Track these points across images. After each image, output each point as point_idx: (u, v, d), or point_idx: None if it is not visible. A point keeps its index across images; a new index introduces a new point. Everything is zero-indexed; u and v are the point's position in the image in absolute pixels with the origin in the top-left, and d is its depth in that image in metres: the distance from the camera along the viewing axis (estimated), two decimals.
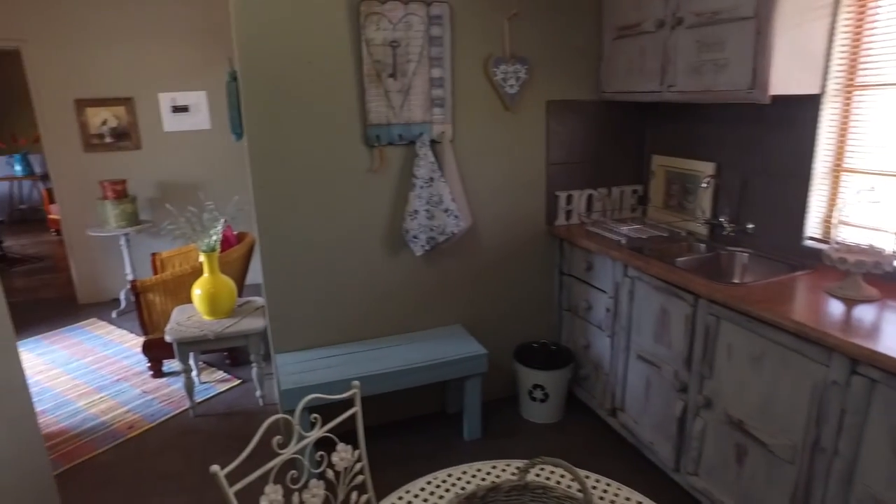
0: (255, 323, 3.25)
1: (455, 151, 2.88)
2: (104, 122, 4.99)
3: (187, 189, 5.31)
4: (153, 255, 4.23)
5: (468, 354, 2.82)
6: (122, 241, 4.94)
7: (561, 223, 3.22)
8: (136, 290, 3.58)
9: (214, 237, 3.25)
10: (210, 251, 3.23)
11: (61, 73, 4.86)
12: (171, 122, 5.13)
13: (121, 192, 4.78)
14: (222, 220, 3.40)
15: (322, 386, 2.55)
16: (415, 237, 2.84)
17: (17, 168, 9.29)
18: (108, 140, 5.04)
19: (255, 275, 4.90)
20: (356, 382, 1.53)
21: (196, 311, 3.37)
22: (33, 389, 3.75)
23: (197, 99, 5.12)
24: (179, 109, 5.11)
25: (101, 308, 5.22)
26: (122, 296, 5.07)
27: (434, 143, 2.83)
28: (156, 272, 4.21)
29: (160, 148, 5.18)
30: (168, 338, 3.13)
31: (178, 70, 5.07)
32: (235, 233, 4.10)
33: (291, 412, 1.39)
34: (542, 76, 2.98)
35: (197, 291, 3.25)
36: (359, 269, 2.89)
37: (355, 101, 2.68)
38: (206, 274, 3.26)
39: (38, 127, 4.94)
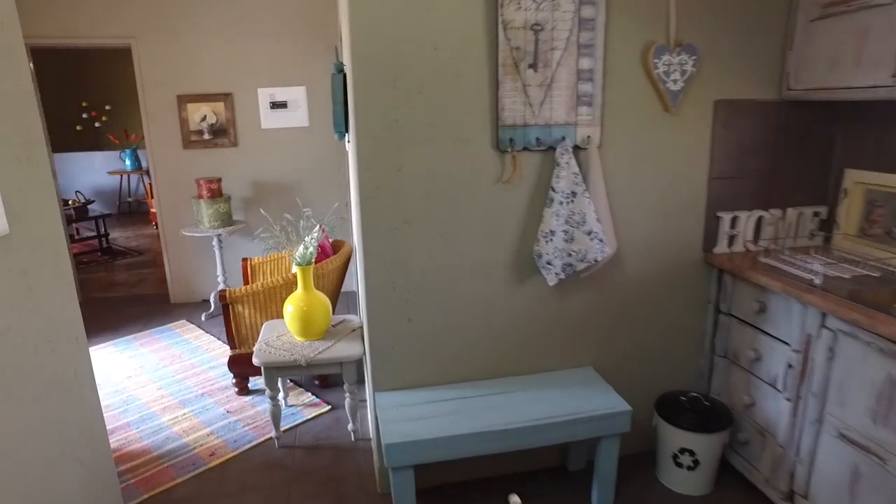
0: (350, 349, 2.86)
1: (602, 161, 2.34)
2: (203, 119, 4.82)
3: (282, 190, 5.06)
4: (244, 260, 3.96)
5: (608, 411, 2.28)
6: (215, 242, 4.74)
7: (721, 251, 2.61)
8: (225, 302, 3.29)
9: (311, 249, 2.88)
10: (305, 265, 2.87)
11: (165, 68, 4.72)
12: (268, 119, 4.89)
13: (215, 192, 4.57)
14: (319, 229, 3.04)
15: (432, 442, 2.10)
16: (548, 263, 2.33)
17: (127, 162, 9.57)
18: (206, 137, 4.86)
19: (347, 281, 4.56)
20: (516, 500, 1.04)
21: (286, 330, 3.03)
22: (122, 397, 3.55)
23: (296, 94, 4.85)
24: (278, 105, 4.86)
25: (192, 309, 5.06)
26: (212, 298, 4.88)
27: (577, 150, 2.31)
28: (246, 279, 3.93)
29: (257, 146, 4.95)
30: (256, 360, 2.79)
31: (277, 64, 4.82)
32: (331, 240, 3.75)
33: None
34: (711, 70, 2.39)
35: (289, 308, 2.89)
36: (477, 298, 2.42)
37: (487, 96, 2.21)
38: (299, 290, 2.90)
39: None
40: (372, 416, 2.65)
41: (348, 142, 3.24)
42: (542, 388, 2.46)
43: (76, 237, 7.93)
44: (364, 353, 2.82)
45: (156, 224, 7.84)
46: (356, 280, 4.04)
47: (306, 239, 2.91)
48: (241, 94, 4.84)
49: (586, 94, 2.27)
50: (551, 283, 2.36)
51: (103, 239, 7.29)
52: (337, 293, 3.56)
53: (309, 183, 5.07)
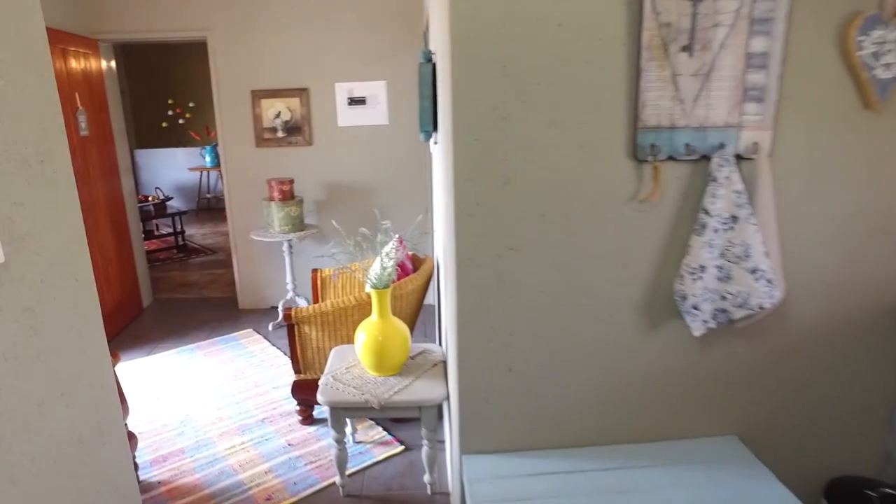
0: (431, 390, 2.40)
1: (773, 175, 1.77)
2: (277, 115, 4.51)
3: (357, 193, 4.69)
4: (314, 272, 3.59)
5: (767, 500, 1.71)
6: (285, 248, 4.42)
7: None
8: (290, 321, 2.92)
9: (389, 270, 2.45)
10: (382, 288, 2.43)
11: (240, 62, 4.45)
12: (345, 116, 4.52)
13: (287, 194, 4.25)
14: (397, 244, 2.61)
15: None
16: (695, 308, 1.78)
17: (207, 159, 9.59)
18: (279, 134, 4.56)
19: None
20: None
21: (357, 360, 2.61)
22: (180, 416, 3.26)
23: (375, 90, 4.46)
24: (356, 102, 4.49)
25: (259, 317, 4.78)
26: (280, 307, 4.57)
27: (741, 161, 1.75)
28: (315, 293, 3.56)
29: (332, 145, 4.60)
30: (321, 399, 2.38)
31: (356, 58, 4.44)
32: (409, 253, 3.32)
33: None
34: None
35: (361, 337, 2.47)
36: (596, 346, 1.90)
37: (624, 89, 1.69)
38: (374, 316, 2.47)
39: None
40: (456, 479, 2.18)
41: (435, 143, 2.79)
42: (674, 463, 1.91)
43: (155, 233, 7.94)
44: (447, 396, 2.36)
45: None
46: (435, 294, 3.60)
47: (384, 257, 2.48)
48: (318, 90, 4.50)
49: (756, 86, 1.70)
50: (697, 333, 1.81)
51: (179, 236, 7.22)
52: (415, 316, 3.12)
53: (387, 187, 4.67)
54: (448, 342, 2.32)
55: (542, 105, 1.68)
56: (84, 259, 1.51)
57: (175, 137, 10.14)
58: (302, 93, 4.48)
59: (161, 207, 7.22)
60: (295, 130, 4.55)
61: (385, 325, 2.46)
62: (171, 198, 7.57)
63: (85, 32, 4.34)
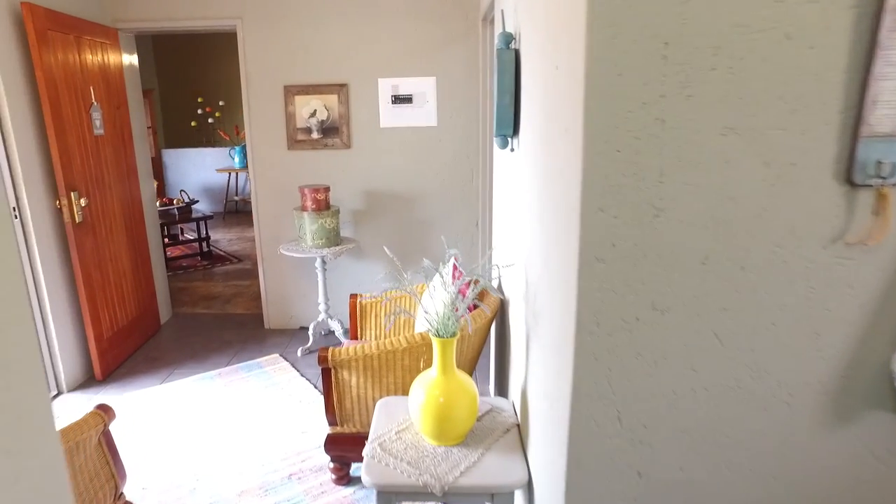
0: (507, 471, 1.86)
1: None
2: (313, 114, 4.02)
3: (400, 203, 4.17)
4: (353, 297, 3.08)
5: None
6: (318, 264, 3.93)
7: None
8: (326, 365, 2.40)
9: (461, 311, 1.92)
10: (449, 337, 1.90)
11: (272, 54, 3.97)
12: (389, 116, 4.02)
13: (322, 203, 3.75)
14: (473, 285, 2.08)
15: None
16: None
17: (236, 160, 9.22)
18: (314, 135, 4.07)
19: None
20: None
21: (410, 420, 2.08)
22: (193, 469, 2.76)
23: (423, 87, 3.94)
24: (401, 100, 3.97)
25: (288, 339, 4.30)
26: (311, 329, 4.08)
27: None
28: (354, 322, 3.05)
29: (373, 148, 4.10)
30: (366, 479, 1.85)
31: (402, 50, 3.93)
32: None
33: None
34: None
35: (418, 395, 1.94)
36: (763, 445, 1.34)
37: (841, 75, 1.12)
38: (435, 372, 1.94)
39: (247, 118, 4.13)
40: None
41: (511, 150, 2.25)
42: None
43: (180, 238, 7.55)
44: (529, 479, 1.82)
45: None
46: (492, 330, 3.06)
47: (453, 294, 1.95)
48: (358, 86, 4.00)
49: None
50: None
51: (204, 242, 6.80)
52: (476, 361, 2.58)
53: (434, 197, 4.15)
54: (535, 413, 1.78)
55: (717, 102, 1.12)
56: (18, 295, 0.99)
57: (204, 137, 9.79)
58: (340, 89, 3.98)
59: (186, 211, 6.82)
60: (332, 131, 4.05)
61: (449, 384, 1.93)
62: (197, 201, 7.17)
63: (104, 20, 3.90)
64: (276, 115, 4.07)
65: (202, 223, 6.78)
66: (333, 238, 3.80)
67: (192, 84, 9.64)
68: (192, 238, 7.02)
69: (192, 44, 9.44)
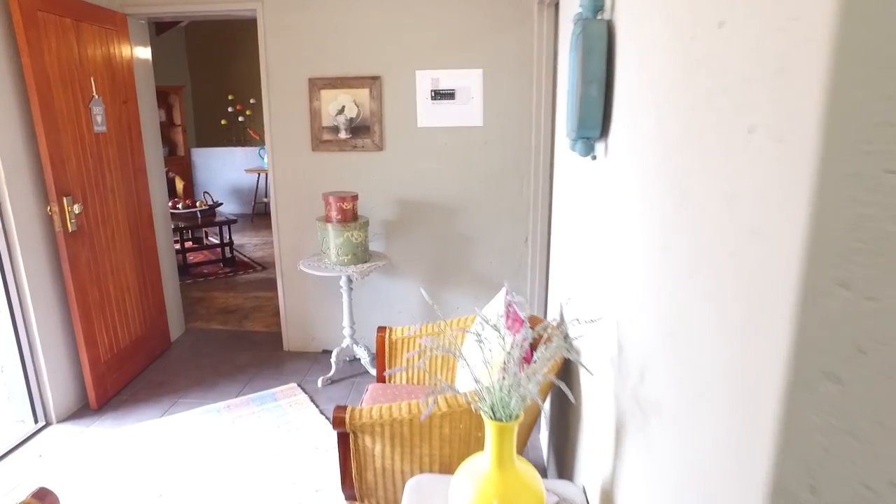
0: None
1: None
2: (341, 110, 3.52)
3: (438, 214, 3.64)
4: (380, 332, 2.55)
5: None
6: (343, 283, 3.42)
7: None
8: (343, 429, 1.87)
9: (531, 388, 1.36)
10: (509, 421, 1.35)
11: (296, 43, 3.49)
12: (427, 114, 3.48)
13: (348, 214, 3.24)
14: (533, 345, 1.53)
15: None
16: None
17: (265, 160, 8.84)
18: (342, 135, 3.56)
19: None
20: None
21: None
22: None
23: (468, 81, 3.40)
24: (442, 95, 3.44)
25: (308, 365, 3.80)
26: (334, 356, 3.57)
27: None
28: (381, 359, 2.52)
29: (409, 151, 3.57)
30: None
31: (444, 38, 3.39)
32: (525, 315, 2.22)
33: None
34: None
35: (465, 493, 1.40)
36: None
37: None
38: (488, 463, 1.39)
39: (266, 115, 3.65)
40: None
41: (593, 157, 1.68)
42: None
43: (204, 241, 7.18)
44: None
45: None
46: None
47: (515, 359, 1.40)
48: (393, 79, 3.48)
49: None
50: None
51: (227, 248, 6.39)
52: (530, 432, 2.02)
53: (476, 208, 3.60)
54: None
55: None
56: None
57: (234, 136, 9.45)
58: (373, 82, 3.47)
59: (209, 214, 6.42)
60: (362, 131, 3.54)
61: (507, 481, 1.38)
62: (221, 203, 6.76)
63: (111, 4, 3.47)
64: (299, 112, 3.58)
65: (226, 228, 6.36)
66: (361, 254, 3.29)
67: (224, 81, 9.31)
68: (214, 243, 6.62)
69: (225, 39, 9.10)
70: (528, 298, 3.67)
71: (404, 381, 2.58)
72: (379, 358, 2.54)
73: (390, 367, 2.54)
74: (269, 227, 8.29)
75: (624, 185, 1.37)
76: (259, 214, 9.36)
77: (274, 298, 5.04)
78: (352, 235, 3.21)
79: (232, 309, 4.91)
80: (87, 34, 3.18)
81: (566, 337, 1.86)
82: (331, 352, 3.79)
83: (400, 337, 2.53)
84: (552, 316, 2.67)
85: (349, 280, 3.42)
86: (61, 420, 3.21)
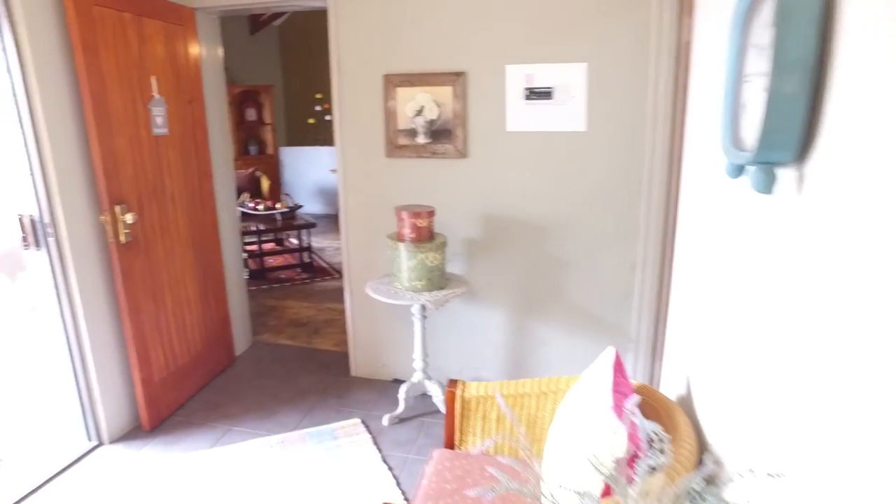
0: None
1: None
2: (419, 111, 3.08)
3: (529, 233, 3.12)
4: (451, 386, 2.07)
5: None
6: (416, 310, 2.98)
7: None
8: None
9: None
10: None
11: (370, 36, 3.08)
12: (519, 116, 2.97)
13: (424, 233, 2.79)
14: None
15: None
16: None
17: None
18: (420, 139, 3.12)
19: None
20: None
21: None
22: None
23: (569, 77, 2.85)
24: (537, 94, 2.91)
25: (375, 397, 3.40)
26: (402, 392, 3.14)
27: None
28: (451, 423, 2.05)
29: (496, 158, 3.07)
30: None
31: (540, 28, 2.86)
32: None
33: None
34: None
35: None
36: None
37: None
38: None
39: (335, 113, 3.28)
40: None
41: (770, 191, 1.11)
42: None
43: (285, 243, 7.03)
44: None
45: None
46: None
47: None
48: (480, 75, 2.99)
49: None
50: None
51: (305, 253, 6.17)
52: None
53: (575, 228, 3.04)
54: None
55: None
56: None
57: (321, 135, 9.32)
58: (456, 79, 2.99)
59: (290, 217, 6.22)
60: (442, 135, 3.08)
61: None
62: (301, 206, 6.56)
63: None
64: (372, 113, 3.18)
65: (305, 232, 6.14)
66: (436, 279, 2.83)
67: (312, 79, 9.19)
68: (294, 246, 6.43)
69: (316, 37, 8.96)
70: (634, 336, 3.08)
71: (480, 448, 2.09)
72: (448, 418, 2.07)
73: (462, 430, 2.07)
74: None
75: (847, 250, 0.81)
76: None
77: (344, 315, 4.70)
78: (426, 258, 2.76)
79: (303, 321, 4.61)
80: (149, 30, 2.92)
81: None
82: (401, 382, 3.37)
83: (475, 395, 2.04)
84: (671, 381, 2.09)
85: (423, 310, 2.97)
86: (114, 440, 2.99)
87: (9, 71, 2.49)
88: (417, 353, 3.06)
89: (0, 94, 2.51)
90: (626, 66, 2.78)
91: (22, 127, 2.54)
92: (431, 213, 2.81)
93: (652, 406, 1.65)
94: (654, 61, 2.71)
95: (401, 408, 3.13)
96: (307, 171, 9.47)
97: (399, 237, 2.84)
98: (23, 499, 2.57)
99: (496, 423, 2.05)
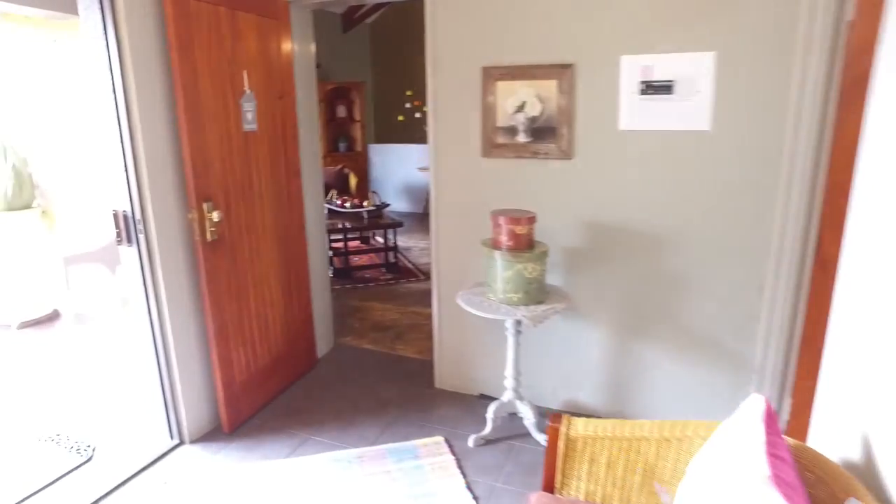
0: None
1: None
2: (520, 107, 2.82)
3: (641, 244, 2.78)
4: (554, 421, 1.80)
5: None
6: (509, 325, 2.72)
7: None
8: None
9: None
10: None
11: (469, 24, 2.85)
12: (633, 113, 2.65)
13: (523, 241, 2.53)
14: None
15: None
16: None
17: None
18: (520, 138, 2.86)
19: None
20: None
21: None
22: None
23: (694, 68, 2.50)
24: (655, 88, 2.58)
25: (461, 412, 3.17)
26: (491, 412, 2.89)
27: None
28: (552, 463, 1.79)
29: (605, 160, 2.76)
30: None
31: (662, 11, 2.52)
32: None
33: None
34: None
35: None
36: None
37: None
38: None
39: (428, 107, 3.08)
40: None
41: None
42: None
43: (371, 242, 6.96)
44: None
45: None
46: None
47: None
48: (590, 67, 2.69)
49: None
50: None
51: (391, 252, 6.05)
52: None
53: (695, 240, 2.68)
54: None
55: None
56: None
57: (410, 133, 9.24)
58: (563, 72, 2.71)
59: (376, 215, 6.13)
60: (545, 133, 2.80)
61: None
62: (388, 204, 6.46)
63: None
64: (469, 109, 2.95)
65: (391, 232, 6.02)
66: (535, 293, 2.56)
67: (403, 76, 9.11)
68: (379, 245, 6.33)
69: (407, 34, 8.88)
70: (758, 366, 2.68)
71: (581, 494, 1.81)
72: (549, 457, 1.80)
73: (564, 472, 1.79)
74: None
75: None
76: (429, 215, 9.06)
77: (431, 316, 4.52)
78: (525, 268, 2.49)
79: (387, 325, 4.47)
80: (242, 23, 2.83)
81: None
82: (489, 398, 3.13)
83: (582, 434, 1.76)
84: (828, 435, 1.71)
85: (518, 326, 2.71)
86: (194, 440, 2.94)
87: (110, 70, 2.46)
88: (509, 371, 2.81)
89: (102, 93, 2.49)
90: (765, 54, 2.39)
91: (119, 124, 2.50)
92: (532, 220, 2.55)
93: (817, 477, 1.32)
94: (802, 48, 2.31)
95: (488, 428, 2.88)
96: (395, 168, 9.42)
97: (495, 244, 2.59)
98: (109, 493, 2.57)
99: (606, 467, 1.76)
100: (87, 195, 4.48)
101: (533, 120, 2.80)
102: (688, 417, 2.87)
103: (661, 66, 2.56)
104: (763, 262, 2.57)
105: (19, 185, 4.44)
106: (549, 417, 1.82)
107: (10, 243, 4.46)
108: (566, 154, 2.79)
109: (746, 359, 2.71)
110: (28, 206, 4.55)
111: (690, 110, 2.54)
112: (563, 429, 1.78)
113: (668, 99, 2.57)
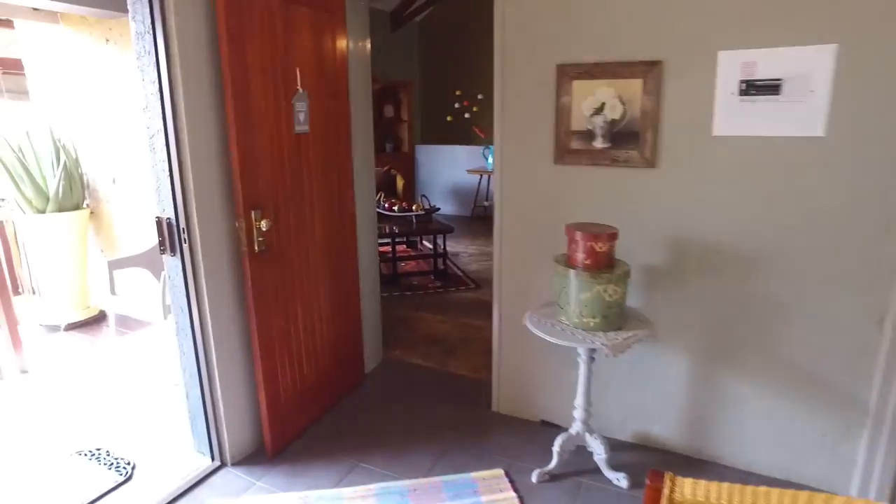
0: None
1: None
2: (599, 109, 2.53)
3: (735, 265, 2.46)
4: (654, 480, 1.51)
5: None
6: (582, 352, 2.44)
7: None
8: None
9: None
10: None
11: (543, 16, 2.58)
12: (731, 116, 2.33)
13: (602, 259, 2.25)
14: None
15: None
16: None
17: (489, 161, 8.25)
18: (597, 144, 2.57)
19: None
20: None
21: None
22: None
23: (807, 64, 2.17)
24: (759, 88, 2.25)
25: (523, 441, 2.90)
26: (557, 445, 2.61)
27: None
28: None
29: (696, 170, 2.45)
30: None
31: (771, 1, 2.20)
32: None
33: None
34: None
35: None
36: None
37: None
38: None
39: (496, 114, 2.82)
40: None
41: None
42: None
43: (419, 247, 6.75)
44: None
45: None
46: None
47: None
48: (680, 65, 2.38)
49: None
50: None
51: (440, 259, 5.82)
52: None
53: (798, 261, 2.35)
54: None
55: None
56: None
57: (459, 134, 9.00)
58: (649, 70, 2.41)
59: (425, 220, 5.90)
60: (627, 138, 2.51)
61: None
62: (438, 208, 6.23)
63: None
64: (540, 111, 2.67)
65: (440, 238, 5.79)
66: (614, 317, 2.27)
67: (452, 75, 8.87)
68: (428, 250, 6.11)
69: (457, 33, 8.64)
70: (873, 410, 2.32)
71: None
72: None
73: None
74: (487, 234, 7.64)
75: None
76: (478, 218, 8.80)
77: (484, 329, 4.26)
78: (604, 290, 2.21)
79: (438, 338, 4.23)
80: (295, 18, 2.63)
81: None
82: (552, 425, 2.85)
83: (690, 499, 1.47)
84: None
85: (591, 353, 2.43)
86: (235, 463, 2.76)
87: (157, 64, 2.28)
88: (579, 402, 2.52)
89: (148, 90, 2.33)
90: None
91: (164, 123, 2.33)
92: (614, 236, 2.26)
93: None
94: None
95: (553, 463, 2.60)
96: (442, 169, 9.20)
97: (570, 262, 2.31)
98: None
99: None
100: (136, 198, 4.39)
101: (613, 123, 2.51)
102: (780, 461, 2.54)
103: (766, 63, 2.23)
104: (885, 291, 2.21)
105: (70, 186, 4.38)
106: (648, 475, 1.53)
107: (59, 243, 4.40)
108: (649, 162, 2.48)
109: (858, 401, 2.35)
110: (78, 207, 4.49)
111: (801, 113, 2.21)
112: (666, 490, 1.49)
113: (773, 100, 2.24)
